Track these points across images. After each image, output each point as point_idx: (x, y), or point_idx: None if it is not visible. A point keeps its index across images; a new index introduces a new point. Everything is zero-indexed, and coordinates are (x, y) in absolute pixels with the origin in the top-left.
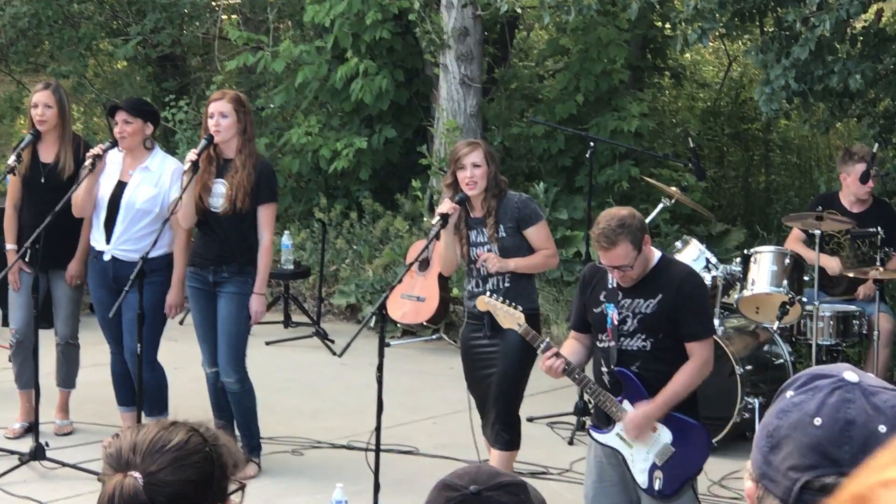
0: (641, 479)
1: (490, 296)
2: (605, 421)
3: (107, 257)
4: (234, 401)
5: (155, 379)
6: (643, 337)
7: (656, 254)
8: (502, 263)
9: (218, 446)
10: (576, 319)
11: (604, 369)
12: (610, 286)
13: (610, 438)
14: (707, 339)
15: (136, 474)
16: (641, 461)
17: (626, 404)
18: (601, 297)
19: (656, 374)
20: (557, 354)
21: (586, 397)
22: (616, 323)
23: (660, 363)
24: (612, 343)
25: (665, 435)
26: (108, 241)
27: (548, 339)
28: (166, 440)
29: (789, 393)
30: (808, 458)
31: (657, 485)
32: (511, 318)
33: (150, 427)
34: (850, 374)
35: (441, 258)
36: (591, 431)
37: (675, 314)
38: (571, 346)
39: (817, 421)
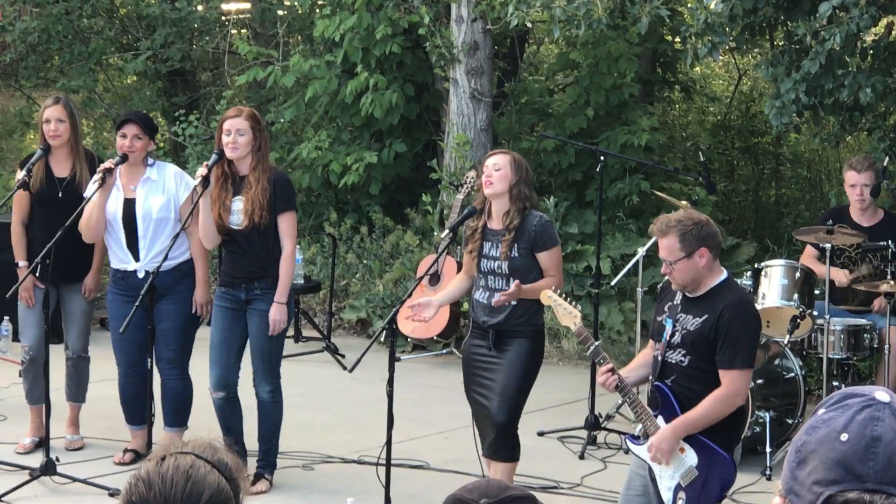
0: (667, 497)
1: (554, 290)
2: (645, 434)
3: (140, 274)
4: (264, 412)
5: (185, 388)
6: (683, 352)
7: (721, 276)
8: (516, 293)
9: (235, 479)
10: (651, 329)
11: (650, 379)
12: (676, 301)
13: (643, 451)
14: (738, 371)
15: None
16: (668, 479)
17: (660, 420)
18: (665, 309)
19: (688, 393)
20: (613, 370)
21: (597, 412)
22: (668, 337)
23: (693, 382)
24: (660, 355)
25: (691, 457)
26: (136, 258)
27: (598, 343)
28: (199, 492)
29: (821, 410)
30: (833, 472)
31: None
32: (569, 316)
33: (171, 467)
34: (882, 394)
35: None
36: (627, 440)
37: (714, 338)
38: (642, 358)
39: (844, 437)
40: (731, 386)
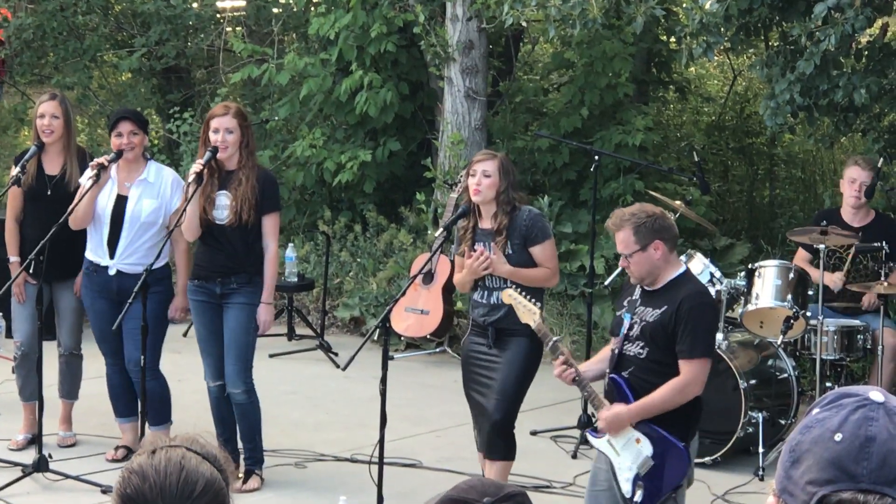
0: (626, 489)
1: (515, 289)
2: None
3: (112, 271)
4: (240, 412)
5: (158, 387)
6: (642, 344)
7: (679, 269)
8: (498, 265)
9: (224, 470)
10: (611, 325)
11: (607, 371)
12: (635, 296)
13: (601, 444)
14: (696, 360)
15: None
16: (626, 470)
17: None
18: (624, 303)
19: (645, 385)
20: (568, 364)
21: (590, 410)
22: (626, 331)
23: (651, 374)
24: (617, 348)
25: (646, 447)
26: (111, 255)
27: (557, 339)
28: (193, 481)
29: (815, 410)
30: (827, 472)
31: (638, 495)
32: (529, 313)
33: (163, 459)
34: (877, 394)
35: None
36: (588, 433)
37: (673, 328)
38: (603, 353)
39: (838, 437)
40: (690, 375)
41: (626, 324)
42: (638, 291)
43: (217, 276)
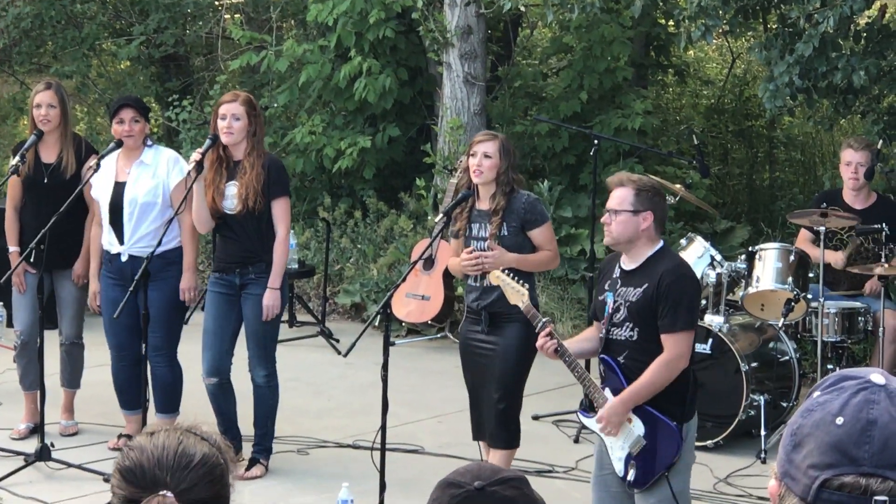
0: (618, 468)
1: (502, 271)
2: (592, 405)
3: (124, 257)
4: (259, 396)
5: (173, 376)
6: (630, 326)
7: (657, 244)
8: (503, 258)
9: (223, 452)
10: (591, 309)
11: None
12: (615, 276)
13: (593, 424)
14: (680, 333)
15: (169, 494)
16: (619, 449)
17: (607, 392)
18: (606, 286)
19: (644, 366)
20: (551, 335)
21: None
22: (611, 311)
23: (647, 354)
24: (604, 331)
25: (638, 427)
26: (121, 241)
27: (547, 319)
28: (190, 454)
29: (816, 393)
30: (828, 456)
31: (630, 475)
32: (517, 294)
33: (162, 436)
34: (878, 376)
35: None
36: (579, 413)
37: (656, 304)
38: (586, 333)
39: (839, 420)
40: (675, 349)
41: (610, 303)
42: (617, 271)
43: (235, 267)
